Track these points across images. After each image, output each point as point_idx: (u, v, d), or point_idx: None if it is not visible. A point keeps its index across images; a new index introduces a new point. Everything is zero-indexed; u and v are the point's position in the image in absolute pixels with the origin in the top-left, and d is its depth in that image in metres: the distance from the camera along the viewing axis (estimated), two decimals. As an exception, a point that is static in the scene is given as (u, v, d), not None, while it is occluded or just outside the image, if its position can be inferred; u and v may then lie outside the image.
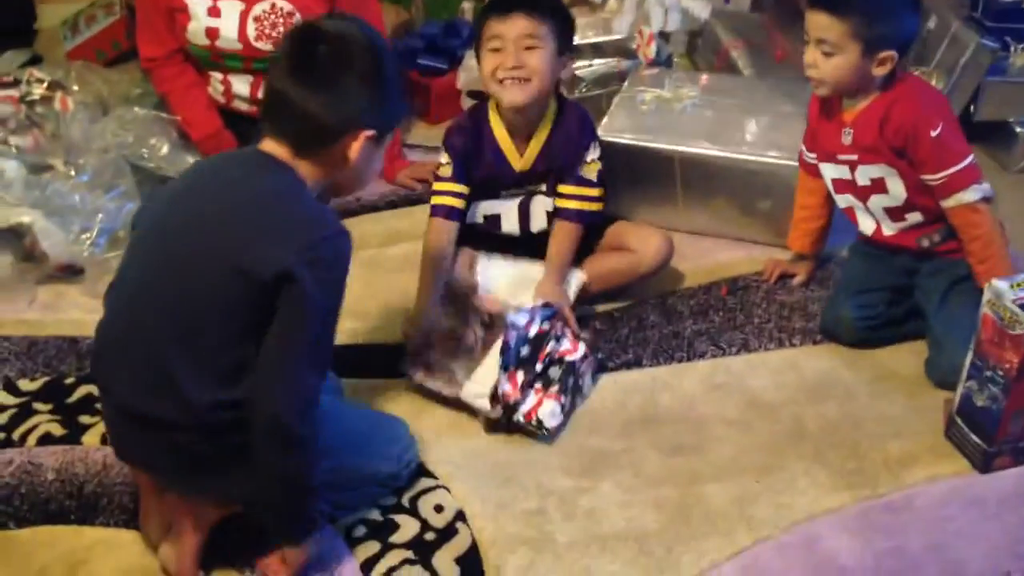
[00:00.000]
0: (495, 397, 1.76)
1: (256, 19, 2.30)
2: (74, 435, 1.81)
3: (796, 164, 2.20)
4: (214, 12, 2.31)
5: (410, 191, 2.55)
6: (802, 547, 1.58)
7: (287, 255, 1.35)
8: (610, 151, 2.30)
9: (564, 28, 1.97)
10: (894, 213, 1.94)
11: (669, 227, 2.24)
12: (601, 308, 2.13)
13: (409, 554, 1.57)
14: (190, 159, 2.34)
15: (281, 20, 2.30)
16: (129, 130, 2.32)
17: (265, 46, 2.31)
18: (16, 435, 1.81)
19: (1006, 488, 1.68)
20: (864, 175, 1.92)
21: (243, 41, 2.31)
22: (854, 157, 1.91)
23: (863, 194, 1.94)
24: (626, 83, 2.59)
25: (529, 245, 2.09)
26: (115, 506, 1.67)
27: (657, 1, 2.84)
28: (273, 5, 2.30)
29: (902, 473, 1.71)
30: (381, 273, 2.22)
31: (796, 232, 2.18)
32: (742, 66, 2.86)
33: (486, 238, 2.07)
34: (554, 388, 1.80)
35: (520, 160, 2.02)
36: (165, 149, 2.31)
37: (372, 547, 1.59)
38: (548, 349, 1.81)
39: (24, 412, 1.87)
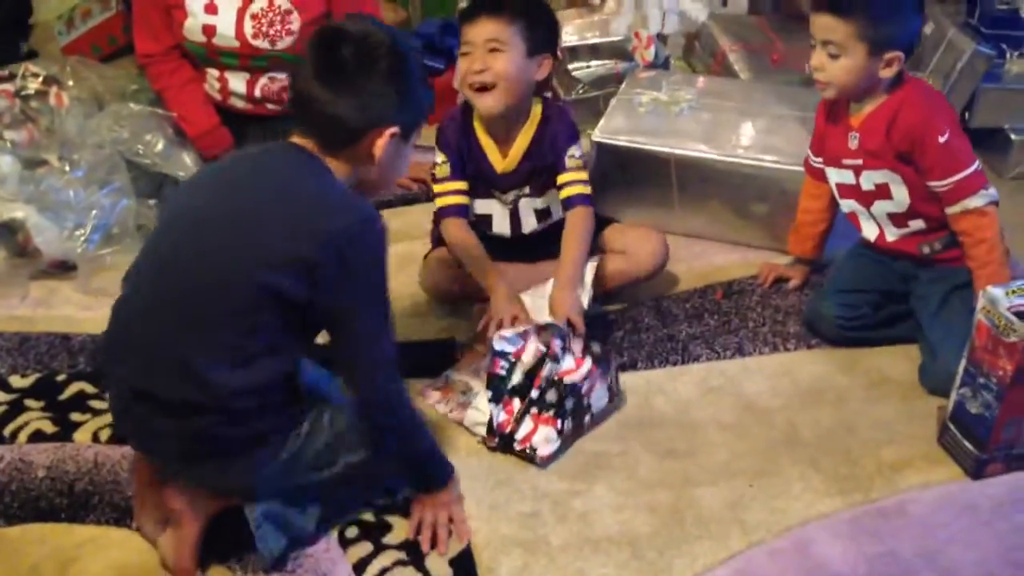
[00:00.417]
0: (491, 427, 1.75)
1: (253, 16, 2.29)
2: (65, 432, 1.80)
3: (792, 168, 2.21)
4: (211, 9, 2.30)
5: (406, 191, 2.54)
6: (795, 552, 1.58)
7: (318, 248, 1.39)
8: (606, 153, 2.30)
9: (536, 29, 1.93)
10: (897, 219, 1.94)
11: (665, 230, 2.23)
12: (594, 311, 2.12)
13: (402, 555, 1.57)
14: (186, 156, 2.33)
15: (279, 18, 2.29)
16: (124, 126, 2.31)
17: (262, 44, 2.31)
18: (7, 432, 1.81)
19: (999, 495, 1.68)
20: (869, 180, 1.92)
21: (240, 39, 2.30)
22: (859, 162, 1.91)
23: (867, 199, 1.95)
24: (623, 85, 2.59)
25: (520, 246, 2.09)
26: (106, 504, 1.66)
27: (655, 3, 2.85)
28: (271, 2, 2.29)
29: (895, 479, 1.71)
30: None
31: (797, 236, 2.18)
32: (739, 69, 2.86)
33: (479, 239, 2.06)
34: (550, 412, 1.74)
35: (502, 162, 2.02)
36: (160, 145, 2.30)
37: (365, 548, 1.58)
38: (545, 372, 1.75)
39: (15, 409, 1.86)
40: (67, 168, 2.22)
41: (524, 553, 1.57)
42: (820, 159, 2.04)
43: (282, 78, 2.37)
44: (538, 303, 1.93)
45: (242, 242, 1.42)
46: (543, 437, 1.73)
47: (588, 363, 1.80)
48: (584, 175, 2.02)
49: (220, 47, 2.32)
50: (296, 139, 1.50)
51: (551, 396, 1.75)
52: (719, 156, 2.29)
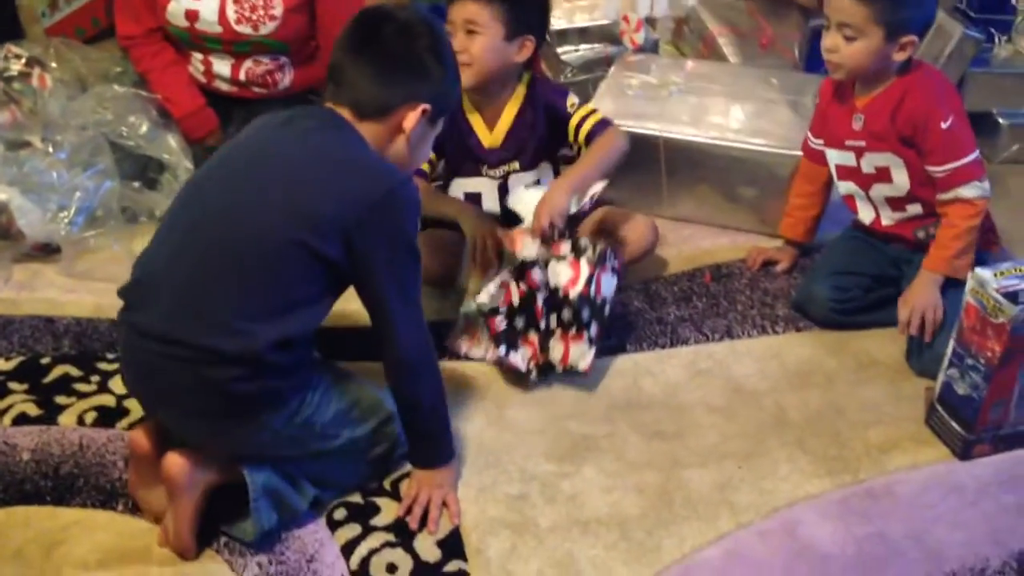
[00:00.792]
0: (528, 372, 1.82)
1: (236, 1, 2.27)
2: (50, 415, 1.79)
3: (781, 152, 2.21)
4: (194, -7, 2.28)
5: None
6: (783, 533, 1.58)
7: (352, 211, 1.43)
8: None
9: (517, 11, 1.93)
10: (895, 203, 1.94)
11: (653, 213, 2.23)
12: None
13: (391, 537, 1.56)
14: (170, 138, 2.31)
15: (261, 3, 2.26)
16: (108, 108, 2.28)
17: (245, 29, 2.28)
18: (-9, 415, 1.79)
19: (985, 476, 1.69)
20: (869, 163, 1.92)
21: (223, 24, 2.28)
22: (862, 143, 1.91)
23: (866, 182, 1.95)
24: (612, 68, 2.58)
25: (511, 223, 2.08)
26: (91, 487, 1.65)
27: (644, -14, 2.83)
28: None
29: (883, 460, 1.72)
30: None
31: (790, 219, 2.18)
32: (728, 53, 2.86)
33: None
34: (573, 329, 1.81)
35: (490, 136, 2.02)
36: (145, 127, 2.28)
37: (353, 529, 1.58)
38: (541, 301, 1.80)
39: (-1, 392, 1.85)
40: (50, 150, 2.19)
41: (512, 535, 1.57)
42: (820, 140, 2.04)
43: (267, 62, 2.35)
44: (526, 196, 1.92)
45: (279, 201, 1.44)
46: (578, 353, 1.81)
47: (584, 266, 1.81)
48: (591, 107, 2.04)
49: (203, 32, 2.30)
50: (332, 103, 1.54)
51: (567, 315, 1.80)
52: (708, 139, 2.28)
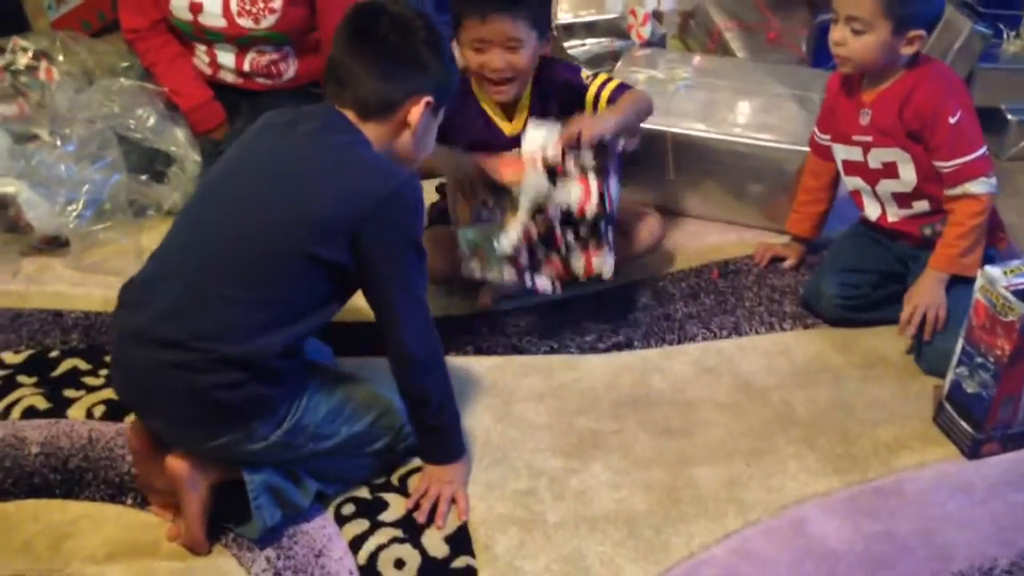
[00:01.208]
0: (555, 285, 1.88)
1: None
2: (58, 409, 1.79)
3: (788, 147, 2.21)
4: (197, -13, 2.28)
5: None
6: (791, 530, 1.58)
7: (358, 212, 1.43)
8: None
9: (540, 15, 1.94)
10: (902, 199, 1.94)
11: (661, 209, 2.23)
12: (592, 289, 2.12)
13: (398, 532, 1.57)
14: (178, 131, 2.31)
15: None
16: (115, 101, 2.28)
17: (246, 23, 2.28)
18: (-1, 408, 1.80)
19: (994, 475, 1.69)
20: (876, 158, 1.91)
21: (227, 17, 2.28)
22: (869, 139, 1.91)
23: (873, 178, 1.94)
24: (619, 63, 2.58)
25: None
26: (100, 481, 1.65)
27: (651, -19, 2.82)
28: None
29: (891, 458, 1.72)
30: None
31: (797, 215, 2.18)
32: (735, 48, 2.85)
33: None
34: (593, 243, 1.84)
35: (510, 125, 2.01)
36: (152, 120, 2.28)
37: (361, 525, 1.58)
38: (559, 229, 1.82)
39: (8, 385, 1.85)
40: (58, 143, 2.19)
41: (520, 531, 1.57)
42: (827, 136, 2.03)
43: (270, 52, 2.35)
44: (531, 133, 1.86)
45: (283, 213, 1.44)
46: (600, 262, 1.86)
47: (593, 181, 1.81)
48: (607, 75, 2.04)
49: (207, 26, 2.30)
50: (332, 100, 1.54)
51: (584, 231, 1.83)
52: (715, 135, 2.28)
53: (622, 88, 1.99)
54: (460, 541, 1.56)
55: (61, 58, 2.40)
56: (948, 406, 1.75)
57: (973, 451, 1.71)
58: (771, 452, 1.73)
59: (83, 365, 1.90)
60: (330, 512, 1.60)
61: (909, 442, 1.75)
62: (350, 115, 1.52)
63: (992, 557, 1.54)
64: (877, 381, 1.89)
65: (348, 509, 1.60)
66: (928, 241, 1.93)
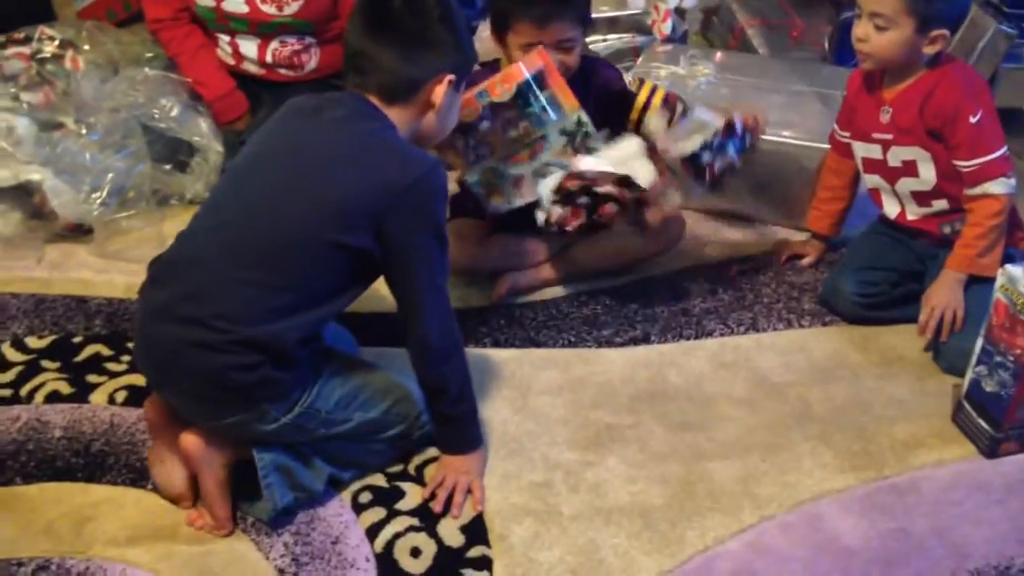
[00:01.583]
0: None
1: None
2: (81, 394, 1.81)
3: (810, 144, 2.20)
4: (220, -27, 2.30)
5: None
6: (807, 526, 1.59)
7: (383, 199, 1.45)
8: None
9: (587, 11, 1.97)
10: (921, 198, 1.93)
11: (680, 205, 2.23)
12: (610, 284, 2.13)
13: (415, 521, 1.58)
14: (201, 121, 2.33)
15: None
16: (140, 90, 2.30)
17: (270, 9, 2.30)
18: (23, 392, 1.82)
19: (1012, 474, 1.68)
20: (896, 157, 1.91)
21: (249, 4, 2.29)
22: (889, 137, 1.90)
23: (893, 176, 1.94)
24: (640, 59, 2.58)
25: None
26: (122, 465, 1.67)
27: (674, -24, 2.82)
28: None
29: (908, 456, 1.71)
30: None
31: (817, 212, 2.18)
32: (757, 44, 2.84)
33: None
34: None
35: None
36: (176, 110, 2.30)
37: (378, 513, 1.59)
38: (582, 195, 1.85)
39: (32, 369, 1.87)
40: (83, 131, 2.21)
41: (535, 522, 1.58)
42: (847, 133, 2.03)
43: (292, 42, 2.37)
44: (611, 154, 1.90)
45: (308, 199, 1.46)
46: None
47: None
48: (653, 84, 2.07)
49: (230, 12, 2.32)
50: (354, 86, 1.54)
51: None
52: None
53: (667, 94, 2.02)
54: (476, 531, 1.57)
55: (87, 47, 2.42)
56: (967, 405, 1.74)
57: (991, 450, 1.70)
58: (787, 448, 1.73)
59: (106, 351, 1.92)
60: (347, 500, 1.61)
61: (927, 440, 1.75)
62: (375, 100, 1.52)
63: (1009, 556, 1.54)
64: (895, 379, 1.89)
65: (365, 497, 1.62)
66: (947, 239, 1.92)
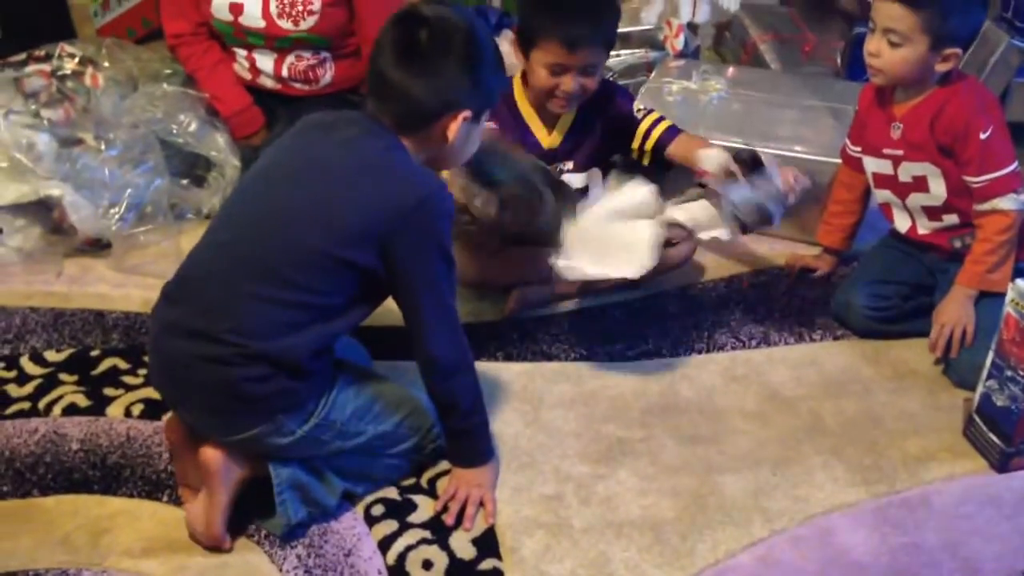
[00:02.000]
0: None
1: None
2: (99, 407, 1.84)
3: (822, 159, 2.21)
4: (237, -13, 2.33)
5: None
6: (817, 540, 1.59)
7: (387, 219, 1.45)
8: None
9: (614, 37, 1.99)
10: (931, 213, 1.94)
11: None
12: (621, 298, 2.14)
13: (427, 534, 1.59)
14: (218, 136, 2.36)
15: None
16: (158, 106, 2.33)
17: (286, 24, 2.33)
18: (41, 405, 1.84)
19: (1023, 488, 1.68)
20: (907, 172, 1.91)
21: (266, 18, 2.32)
22: (900, 152, 1.91)
23: (903, 191, 1.94)
24: (653, 74, 2.60)
25: None
26: (138, 477, 1.69)
27: (686, -8, 2.84)
28: None
29: (919, 470, 1.72)
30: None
31: (827, 226, 2.18)
32: (769, 60, 2.86)
33: None
34: None
35: (548, 137, 2.04)
36: (194, 125, 2.33)
37: (390, 525, 1.60)
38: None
39: (50, 383, 1.89)
40: (102, 147, 2.24)
41: (547, 535, 1.59)
42: (858, 148, 2.04)
43: (308, 57, 2.39)
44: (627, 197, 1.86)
45: (313, 213, 1.47)
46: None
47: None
48: (659, 114, 2.07)
49: (247, 27, 2.35)
50: (372, 109, 1.55)
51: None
52: (748, 146, 2.28)
53: (673, 131, 2.04)
54: (487, 543, 1.58)
55: (106, 64, 2.45)
56: (978, 419, 1.74)
57: (1002, 465, 1.70)
58: (798, 462, 1.74)
59: (123, 364, 1.94)
60: (360, 512, 1.62)
61: (938, 454, 1.75)
62: (390, 125, 1.53)
63: (1020, 571, 1.54)
64: (906, 393, 1.89)
65: (378, 510, 1.63)
66: (958, 253, 1.93)
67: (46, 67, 2.41)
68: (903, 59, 1.81)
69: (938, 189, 1.89)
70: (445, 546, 1.57)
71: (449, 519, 1.60)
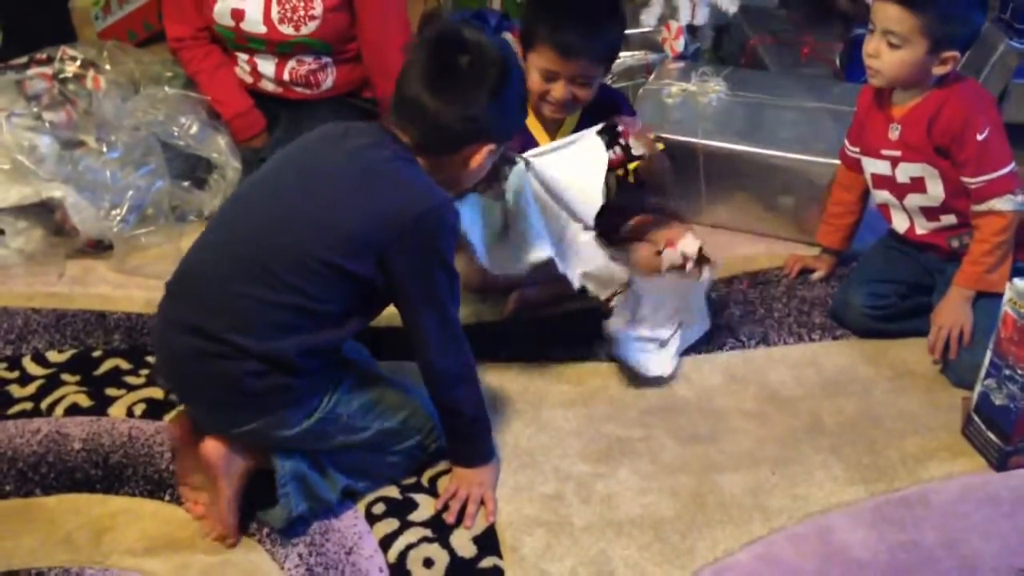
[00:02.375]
0: None
1: (279, 1, 2.32)
2: (100, 407, 1.84)
3: (820, 161, 2.22)
4: (239, -7, 2.34)
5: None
6: (816, 538, 1.59)
7: (387, 232, 1.45)
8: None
9: (613, 58, 2.01)
10: (929, 213, 1.95)
11: (691, 221, 2.25)
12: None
13: (427, 532, 1.60)
14: (220, 138, 2.37)
15: (302, 3, 2.31)
16: (160, 109, 2.34)
17: (287, 29, 2.33)
18: (44, 405, 1.85)
19: (1021, 487, 1.69)
20: (904, 173, 1.92)
21: (267, 24, 2.33)
22: (897, 153, 1.92)
23: (901, 192, 1.95)
24: (652, 76, 2.60)
25: None
26: (139, 477, 1.70)
27: (685, -6, 2.84)
28: None
29: (918, 469, 1.72)
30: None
31: (827, 227, 2.19)
32: (768, 62, 2.86)
33: None
34: None
35: (549, 143, 2.03)
36: (195, 128, 2.34)
37: (391, 524, 1.61)
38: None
39: (52, 383, 1.90)
40: (104, 149, 2.25)
41: (547, 533, 1.60)
42: (857, 148, 2.04)
43: (309, 61, 2.40)
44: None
45: (313, 219, 1.47)
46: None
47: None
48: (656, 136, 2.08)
49: (248, 32, 2.36)
50: (395, 129, 1.53)
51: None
52: (747, 148, 2.29)
53: (662, 158, 2.05)
54: (488, 542, 1.58)
55: (108, 67, 2.46)
56: (976, 418, 1.75)
57: (1001, 463, 1.71)
58: (797, 461, 1.74)
59: (124, 365, 1.95)
60: (361, 511, 1.63)
61: (936, 453, 1.75)
62: (409, 140, 1.52)
63: (1018, 569, 1.54)
64: (905, 392, 1.90)
65: (379, 508, 1.64)
66: (955, 253, 1.94)
67: (48, 70, 2.41)
68: (902, 61, 1.82)
69: (936, 190, 1.90)
70: (446, 544, 1.58)
71: (450, 517, 1.61)
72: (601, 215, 1.85)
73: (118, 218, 2.22)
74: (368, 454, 1.62)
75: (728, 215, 2.38)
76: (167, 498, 1.66)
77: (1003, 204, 1.83)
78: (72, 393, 1.88)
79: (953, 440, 1.78)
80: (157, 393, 1.86)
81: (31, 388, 1.89)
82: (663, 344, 1.93)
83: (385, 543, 1.58)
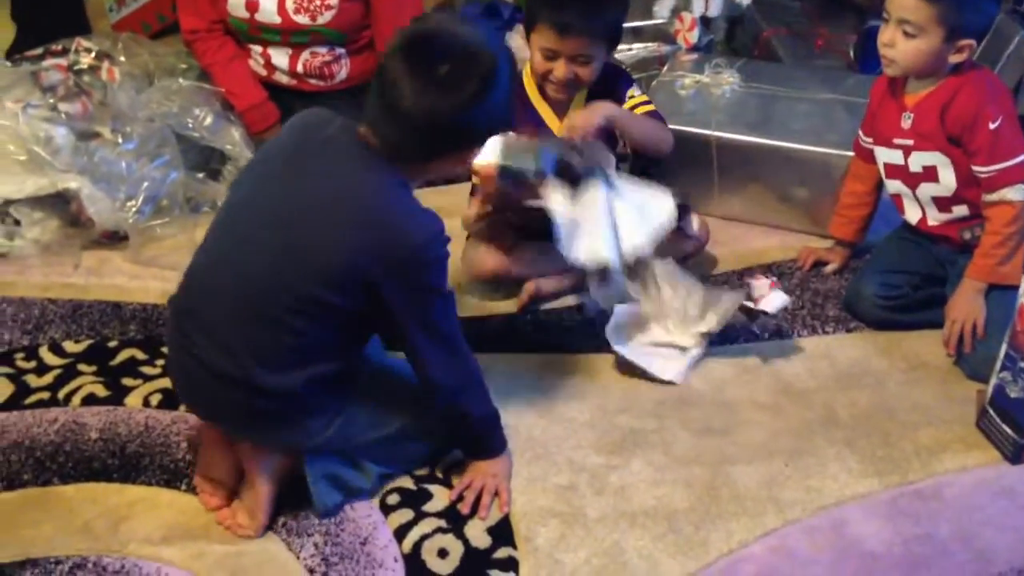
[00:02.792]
0: None
1: None
2: (117, 397, 1.86)
3: (834, 152, 2.22)
4: (254, -16, 2.34)
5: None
6: (830, 530, 1.60)
7: (375, 265, 1.42)
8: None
9: (616, 32, 2.00)
10: (942, 203, 1.94)
11: (704, 212, 2.25)
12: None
13: (442, 523, 1.60)
14: (234, 130, 2.38)
15: None
16: (174, 100, 2.35)
17: (302, 19, 2.34)
18: (61, 395, 1.86)
19: (1036, 480, 1.69)
20: (917, 162, 1.92)
21: (282, 14, 2.34)
22: (910, 142, 1.91)
23: (914, 181, 1.95)
24: (665, 68, 2.60)
25: None
26: (156, 466, 1.71)
27: (699, -14, 2.84)
28: None
29: (932, 462, 1.72)
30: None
31: (840, 219, 2.19)
32: (782, 54, 2.85)
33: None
34: None
35: (559, 124, 2.04)
36: (209, 120, 2.34)
37: (406, 515, 1.62)
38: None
39: (69, 373, 1.91)
40: (119, 140, 2.26)
41: (561, 524, 1.60)
42: (870, 138, 2.04)
43: (323, 52, 2.41)
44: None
45: (302, 251, 1.43)
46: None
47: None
48: (645, 97, 2.08)
49: (263, 23, 2.36)
50: (367, 133, 1.46)
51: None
52: (761, 140, 2.29)
53: (652, 115, 2.05)
54: (502, 533, 1.59)
55: (122, 59, 2.47)
56: (991, 410, 1.75)
57: (1016, 456, 1.70)
58: (811, 453, 1.74)
59: (140, 355, 1.96)
60: (376, 501, 1.64)
61: (951, 445, 1.75)
62: (382, 147, 1.45)
63: (1033, 561, 1.55)
64: (919, 385, 1.90)
65: (393, 499, 1.64)
66: (967, 245, 1.93)
67: (63, 61, 2.42)
68: (917, 50, 1.81)
69: (948, 179, 1.90)
70: (460, 535, 1.58)
71: (464, 508, 1.62)
72: None
73: (133, 209, 2.23)
74: (396, 444, 1.63)
75: (741, 207, 2.38)
76: (184, 488, 1.67)
77: (1014, 193, 1.83)
78: (89, 383, 1.89)
79: (967, 432, 1.78)
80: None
81: (48, 378, 1.90)
82: (683, 351, 1.93)
83: (400, 533, 1.59)
